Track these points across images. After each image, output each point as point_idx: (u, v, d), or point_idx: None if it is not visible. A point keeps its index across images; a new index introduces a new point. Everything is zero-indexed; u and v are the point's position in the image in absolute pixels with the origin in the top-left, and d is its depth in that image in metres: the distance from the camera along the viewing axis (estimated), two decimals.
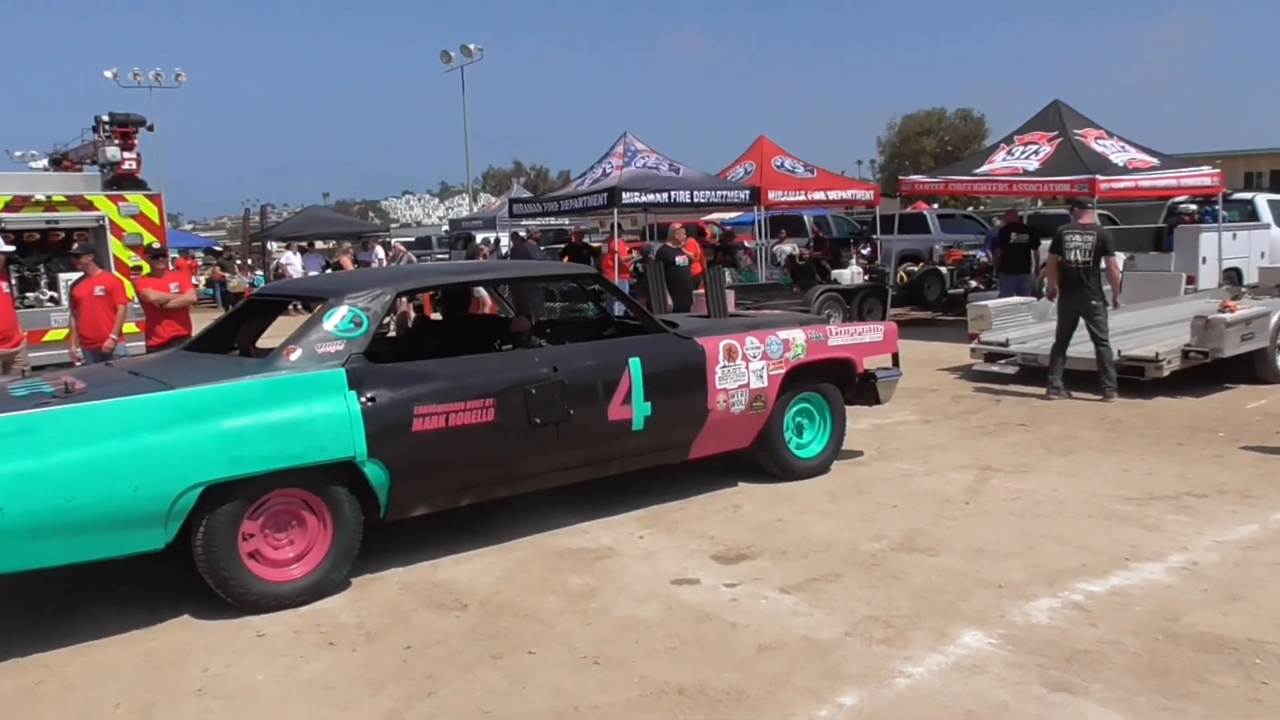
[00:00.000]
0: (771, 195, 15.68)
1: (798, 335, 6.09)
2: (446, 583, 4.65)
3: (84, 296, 7.83)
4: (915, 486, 6.02)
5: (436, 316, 7.67)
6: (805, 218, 20.63)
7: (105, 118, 12.28)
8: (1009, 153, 13.78)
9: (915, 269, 16.14)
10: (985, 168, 13.94)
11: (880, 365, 6.64)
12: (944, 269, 15.68)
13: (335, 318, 4.71)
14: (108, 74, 36.03)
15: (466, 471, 4.89)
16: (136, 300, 8.31)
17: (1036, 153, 13.29)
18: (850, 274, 14.49)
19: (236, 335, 5.75)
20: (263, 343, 5.81)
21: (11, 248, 8.68)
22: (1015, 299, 10.95)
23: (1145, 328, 9.81)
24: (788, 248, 17.39)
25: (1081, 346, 8.51)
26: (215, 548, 4.17)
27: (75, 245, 8.74)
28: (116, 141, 12.13)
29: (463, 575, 4.74)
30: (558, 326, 6.80)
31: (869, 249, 17.40)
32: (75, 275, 8.96)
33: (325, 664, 3.83)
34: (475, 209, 39.57)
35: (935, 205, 23.39)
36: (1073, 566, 4.54)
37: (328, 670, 3.77)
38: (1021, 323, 9.99)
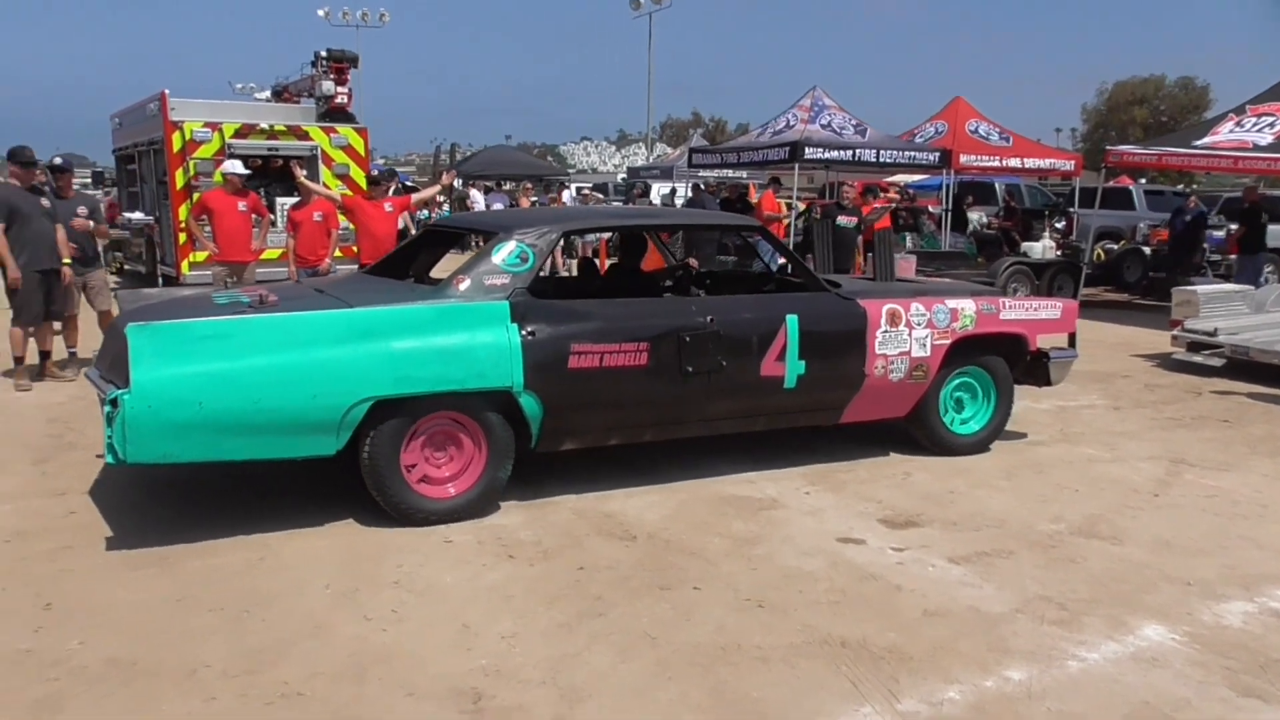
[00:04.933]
0: (963, 159, 15.08)
1: (967, 306, 5.87)
2: (616, 514, 4.84)
3: (303, 220, 8.42)
4: (1099, 472, 5.79)
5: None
6: (996, 185, 19.72)
7: (323, 53, 12.98)
8: (1238, 124, 12.57)
9: (1115, 247, 15.27)
10: (1207, 140, 12.78)
11: (1056, 345, 6.32)
12: (1147, 249, 14.76)
13: (503, 252, 4.85)
14: (320, 13, 38.12)
15: (616, 412, 5.00)
16: (347, 225, 8.88)
17: (1272, 125, 12.06)
18: (1042, 247, 13.86)
19: (413, 263, 6.01)
20: (435, 272, 6.06)
21: (248, 171, 9.36)
22: (1229, 286, 10.22)
23: None
24: (975, 215, 16.69)
25: None
26: (379, 460, 4.43)
27: (303, 173, 9.35)
28: (331, 76, 12.82)
29: (631, 509, 4.92)
30: (720, 279, 6.79)
31: (1064, 222, 16.53)
32: (293, 199, 9.65)
33: (505, 574, 4.09)
34: (651, 158, 39.81)
35: (1142, 180, 21.92)
36: (1273, 572, 4.29)
37: (507, 580, 4.03)
38: (1234, 312, 9.27)
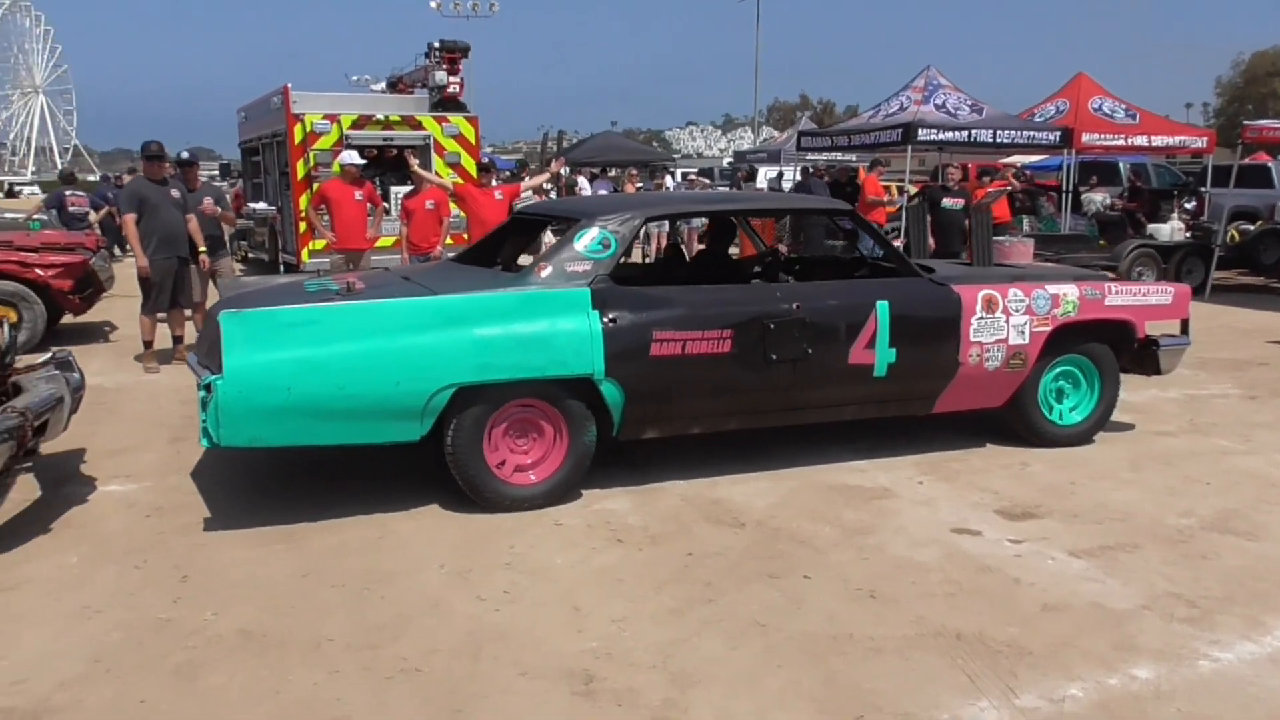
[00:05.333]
0: (1085, 138, 14.45)
1: (1069, 291, 5.60)
2: (724, 500, 4.83)
3: (415, 208, 8.65)
4: (1233, 465, 5.50)
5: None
6: (1120, 165, 18.84)
7: (436, 44, 13.27)
8: None
9: (1250, 228, 14.43)
10: None
11: (1166, 333, 5.99)
12: None
13: (586, 239, 4.83)
14: (432, 4, 38.91)
15: (699, 400, 4.93)
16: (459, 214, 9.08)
17: None
18: (1169, 229, 13.21)
19: (501, 250, 6.05)
20: (524, 260, 6.08)
21: (363, 161, 9.66)
22: None
23: None
24: (1098, 197, 15.97)
25: None
26: (462, 447, 4.47)
27: (416, 162, 9.59)
28: (444, 66, 13.10)
29: (739, 496, 4.90)
30: (811, 264, 6.63)
31: (1194, 202, 15.70)
32: (407, 188, 9.92)
33: (615, 558, 4.14)
34: (757, 142, 39.42)
35: None
36: None
37: (617, 564, 4.07)
38: None
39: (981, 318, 5.38)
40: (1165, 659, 3.31)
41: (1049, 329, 5.53)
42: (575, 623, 3.54)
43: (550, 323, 4.55)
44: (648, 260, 12.70)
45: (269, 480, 5.07)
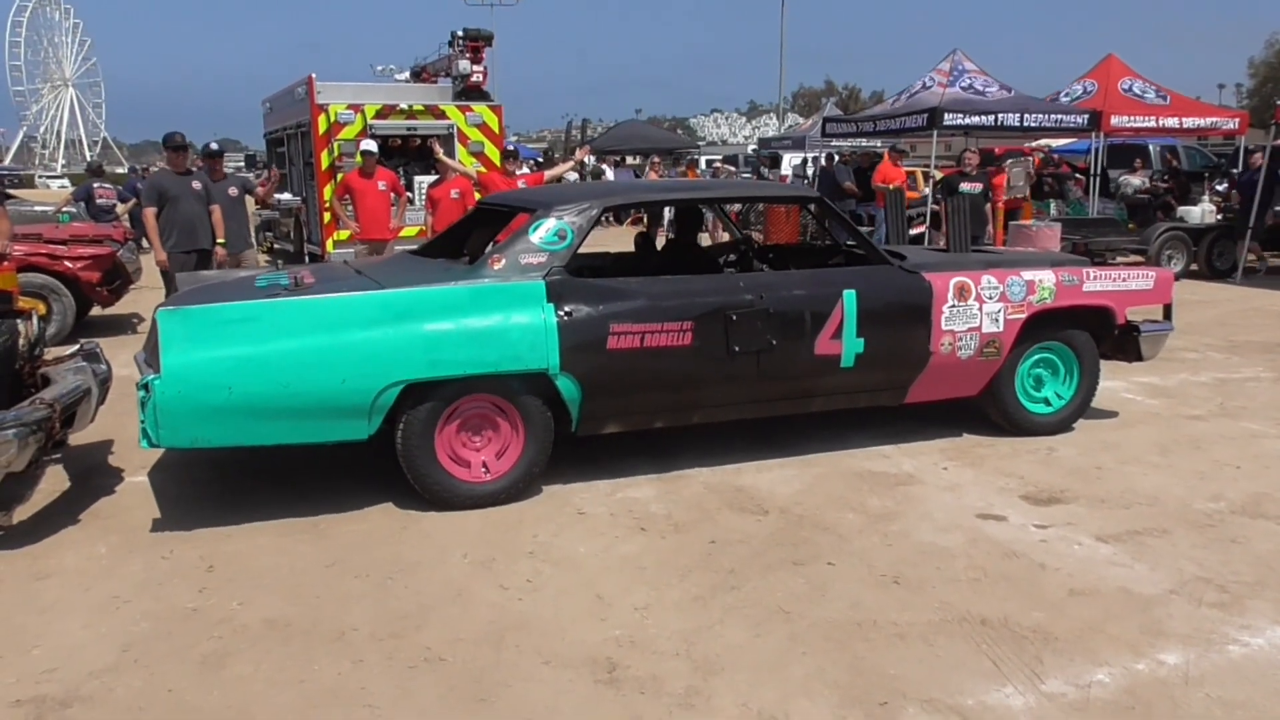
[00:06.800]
0: (1114, 120, 14.23)
1: (1045, 277, 5.47)
2: (748, 488, 4.82)
3: (440, 198, 8.68)
4: (1265, 449, 5.42)
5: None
6: (1150, 147, 18.55)
7: (459, 33, 13.24)
8: None
9: None
10: None
11: (1149, 318, 5.87)
12: None
13: (541, 230, 4.72)
14: None
15: (659, 394, 4.82)
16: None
17: None
18: (1201, 212, 13.03)
19: (467, 242, 5.88)
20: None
21: (375, 145, 9.59)
22: None
23: None
24: (1136, 180, 15.70)
25: None
26: (414, 444, 4.38)
27: (441, 150, 9.58)
28: (468, 55, 13.07)
29: (763, 483, 4.88)
30: (784, 254, 6.49)
31: (1226, 184, 15.44)
32: (432, 178, 9.92)
33: (638, 546, 4.14)
34: (782, 129, 39.20)
35: None
36: None
37: (641, 552, 4.07)
38: None
39: (954, 305, 5.26)
40: (1194, 644, 3.27)
41: (1024, 316, 5.41)
42: (598, 611, 3.54)
43: (504, 317, 4.44)
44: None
45: (294, 471, 5.11)
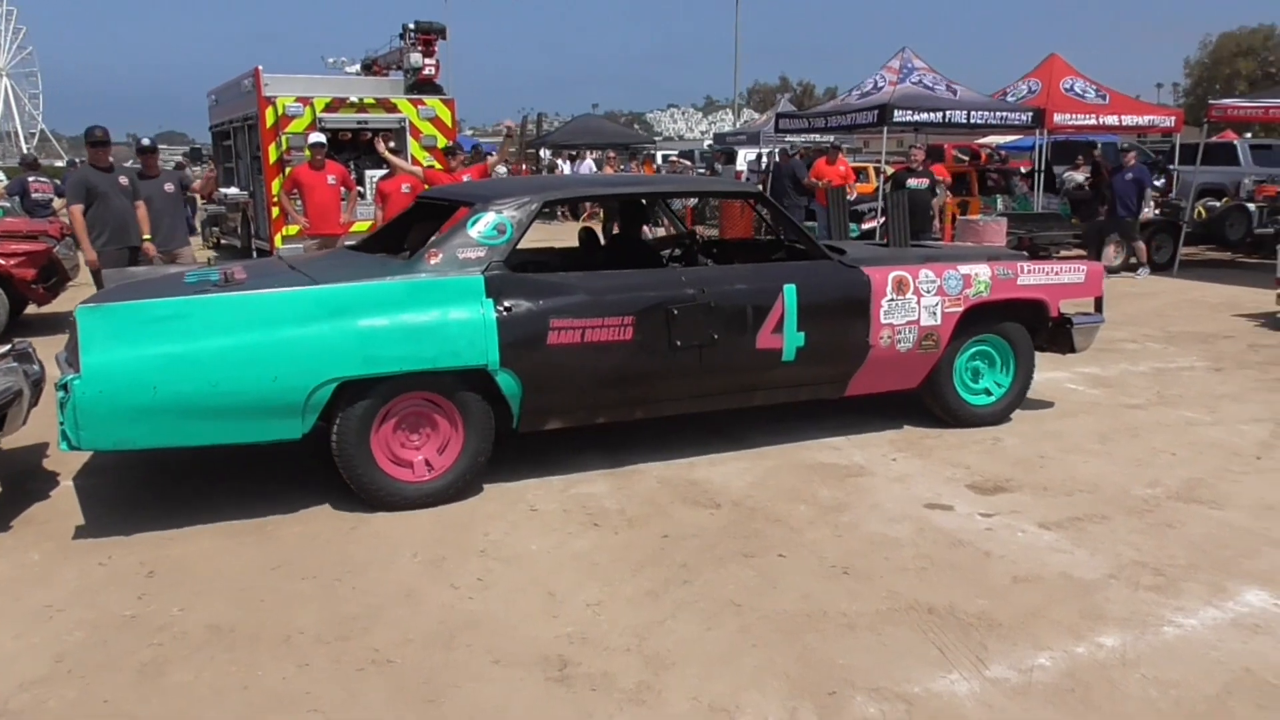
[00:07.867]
0: (1057, 118, 14.50)
1: (981, 271, 5.54)
2: (701, 482, 4.84)
3: (391, 191, 8.59)
4: (1199, 436, 5.57)
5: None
6: (1098, 144, 18.89)
7: (411, 25, 13.10)
8: None
9: (1217, 204, 14.58)
10: None
11: (1082, 310, 5.97)
12: (1251, 205, 14.07)
13: (480, 224, 4.65)
14: None
15: (601, 390, 4.78)
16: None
17: None
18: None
19: (407, 236, 5.78)
20: None
21: (323, 137, 9.40)
22: None
23: None
24: (1079, 175, 16.04)
25: None
26: (349, 444, 4.29)
27: (389, 144, 9.44)
28: (419, 48, 12.94)
29: (717, 476, 4.90)
30: (728, 248, 6.48)
31: (1164, 180, 15.82)
32: (382, 172, 9.80)
33: (590, 542, 4.13)
34: (738, 124, 39.36)
35: (1248, 135, 20.83)
36: None
37: (593, 548, 4.07)
38: None
39: (892, 299, 5.31)
40: (1131, 626, 3.35)
41: (961, 309, 5.48)
42: (550, 608, 3.53)
43: (441, 312, 4.36)
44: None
45: (240, 473, 5.02)
